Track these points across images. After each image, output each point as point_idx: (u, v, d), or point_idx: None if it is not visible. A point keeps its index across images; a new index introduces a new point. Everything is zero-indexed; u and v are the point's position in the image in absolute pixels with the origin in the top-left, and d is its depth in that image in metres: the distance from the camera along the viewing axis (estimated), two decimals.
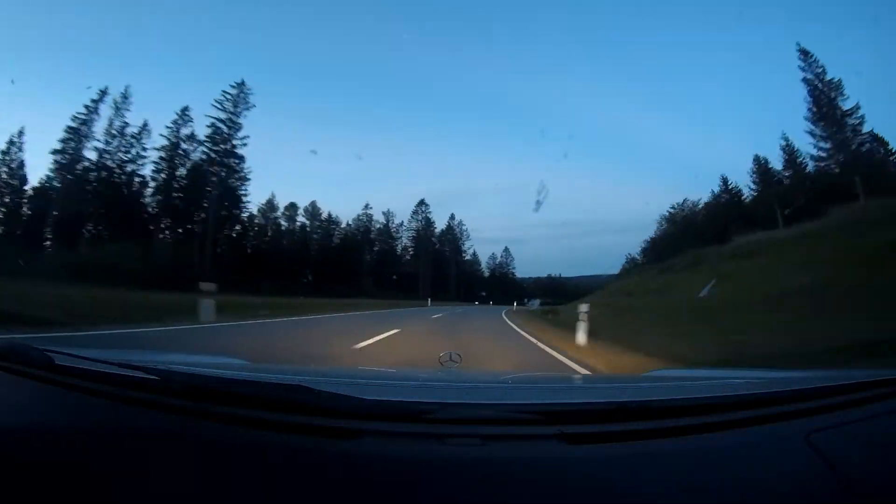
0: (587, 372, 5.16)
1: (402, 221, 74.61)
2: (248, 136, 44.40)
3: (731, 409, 0.82)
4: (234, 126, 43.98)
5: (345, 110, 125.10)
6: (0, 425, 0.74)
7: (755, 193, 45.58)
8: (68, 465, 0.66)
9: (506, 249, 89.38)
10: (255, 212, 55.38)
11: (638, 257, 63.83)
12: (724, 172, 53.17)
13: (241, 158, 44.73)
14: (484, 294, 68.11)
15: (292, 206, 63.39)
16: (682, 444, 0.74)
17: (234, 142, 44.02)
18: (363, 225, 69.32)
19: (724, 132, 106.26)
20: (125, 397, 0.81)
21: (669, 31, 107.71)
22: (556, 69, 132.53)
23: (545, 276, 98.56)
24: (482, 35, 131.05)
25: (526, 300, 52.63)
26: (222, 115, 42.96)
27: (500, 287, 77.07)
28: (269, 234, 57.82)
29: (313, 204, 65.19)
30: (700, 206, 54.33)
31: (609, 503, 0.62)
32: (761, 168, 45.12)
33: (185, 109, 43.07)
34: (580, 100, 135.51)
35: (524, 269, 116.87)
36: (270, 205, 60.72)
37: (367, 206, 70.86)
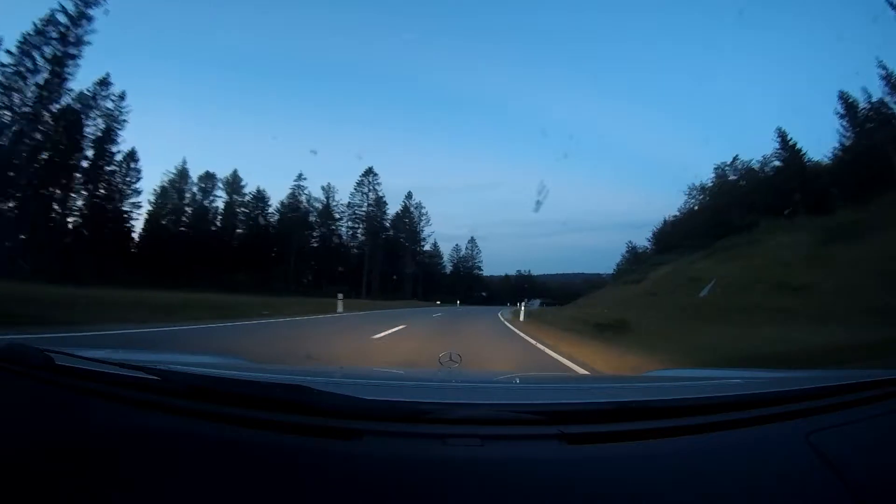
0: (587, 372, 5.15)
1: (350, 202, 57.49)
2: (94, 30, 29.40)
3: (731, 409, 0.82)
4: (80, 18, 28.62)
5: (308, 104, 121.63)
6: (0, 425, 0.74)
7: (849, 142, 31.67)
8: (68, 466, 0.67)
9: (471, 240, 77.38)
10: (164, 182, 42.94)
11: (647, 246, 54.96)
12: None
13: (75, 57, 29.11)
14: (485, 294, 59.05)
15: (209, 177, 47.08)
16: (682, 444, 0.74)
17: (72, 37, 28.50)
18: (294, 203, 51.25)
19: (716, 132, 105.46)
20: (125, 397, 0.81)
21: (662, 28, 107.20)
22: (531, 64, 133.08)
23: (514, 273, 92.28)
24: (459, 28, 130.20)
25: (526, 300, 44.88)
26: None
27: (464, 285, 66.65)
28: (161, 207, 42.96)
29: (234, 174, 49.23)
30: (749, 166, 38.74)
31: (609, 503, 0.63)
32: (851, 108, 31.26)
33: (49, 19, 27.96)
34: (553, 95, 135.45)
35: (490, 267, 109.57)
36: (183, 174, 45.56)
37: (300, 177, 51.50)
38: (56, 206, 33.12)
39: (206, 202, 47.55)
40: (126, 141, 37.61)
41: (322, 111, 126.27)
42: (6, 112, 28.12)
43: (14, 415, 0.79)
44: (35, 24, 28.58)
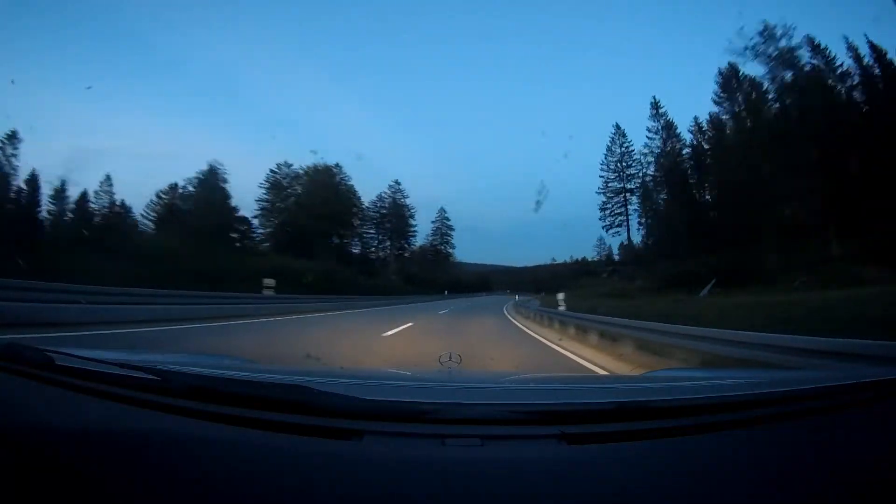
0: (587, 372, 5.16)
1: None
2: None
3: (731, 409, 0.82)
4: None
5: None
6: (0, 425, 0.74)
7: None
8: (68, 466, 0.67)
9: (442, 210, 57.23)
10: None
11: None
12: None
13: None
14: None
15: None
16: (682, 444, 0.74)
17: None
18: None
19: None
20: (125, 398, 0.81)
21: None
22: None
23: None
24: None
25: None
26: None
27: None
28: None
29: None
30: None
31: (609, 503, 0.63)
32: None
33: None
34: (549, 96, 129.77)
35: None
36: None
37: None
38: None
39: None
40: None
41: (318, 110, 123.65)
42: None
43: (14, 415, 0.79)
44: None
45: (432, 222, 61.84)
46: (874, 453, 0.75)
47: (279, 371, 1.35)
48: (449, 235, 62.01)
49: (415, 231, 54.68)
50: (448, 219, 62.01)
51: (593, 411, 0.81)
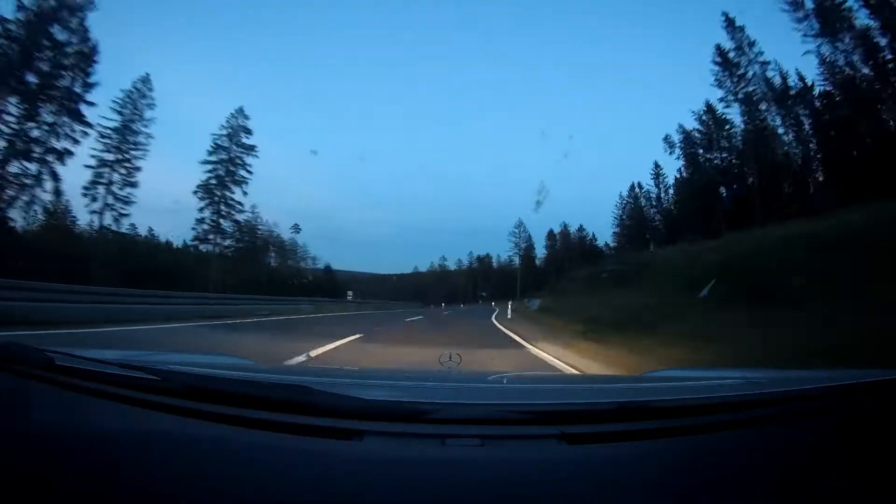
0: (587, 372, 5.15)
1: None
2: None
3: (731, 409, 0.82)
4: None
5: None
6: (0, 426, 0.74)
7: None
8: (68, 466, 0.67)
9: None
10: None
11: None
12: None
13: None
14: None
15: None
16: (683, 444, 0.74)
17: None
18: None
19: None
20: (126, 398, 0.81)
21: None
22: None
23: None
24: None
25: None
26: None
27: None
28: None
29: None
30: None
31: (609, 503, 0.63)
32: None
33: None
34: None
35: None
36: None
37: None
38: None
39: None
40: None
41: (316, 112, 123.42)
42: None
43: (14, 415, 0.79)
44: None
45: (213, 135, 30.35)
46: (874, 453, 0.75)
47: (279, 371, 1.35)
48: (243, 165, 30.42)
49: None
50: (247, 116, 31.13)
51: (593, 411, 0.81)
